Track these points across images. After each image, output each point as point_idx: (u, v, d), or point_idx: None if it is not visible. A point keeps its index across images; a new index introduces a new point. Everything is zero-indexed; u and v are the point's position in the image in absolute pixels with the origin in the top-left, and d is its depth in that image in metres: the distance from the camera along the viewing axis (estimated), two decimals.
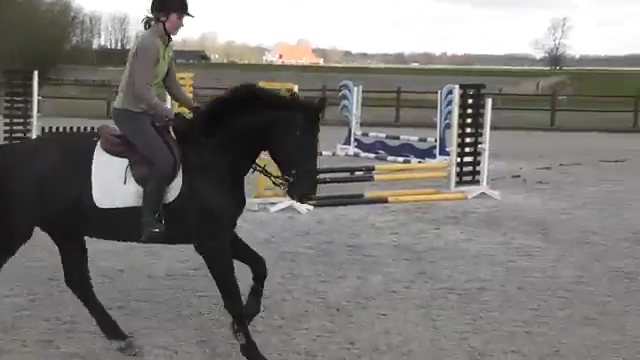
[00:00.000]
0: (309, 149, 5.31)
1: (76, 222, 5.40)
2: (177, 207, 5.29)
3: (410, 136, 18.71)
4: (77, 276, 5.71)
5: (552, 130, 29.48)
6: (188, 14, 5.66)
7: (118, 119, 5.64)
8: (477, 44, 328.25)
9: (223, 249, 5.41)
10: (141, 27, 5.75)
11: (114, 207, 5.29)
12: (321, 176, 10.19)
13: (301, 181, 5.25)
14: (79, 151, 5.44)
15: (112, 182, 5.29)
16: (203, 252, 5.42)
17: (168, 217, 5.29)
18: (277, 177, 5.41)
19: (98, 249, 6.63)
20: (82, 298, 5.73)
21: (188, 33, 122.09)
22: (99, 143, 5.44)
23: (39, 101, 16.04)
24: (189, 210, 5.29)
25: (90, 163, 5.31)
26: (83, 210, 5.29)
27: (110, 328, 5.64)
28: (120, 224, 5.36)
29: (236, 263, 5.43)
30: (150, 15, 5.65)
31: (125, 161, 5.33)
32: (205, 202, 5.28)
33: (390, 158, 17.59)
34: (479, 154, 13.06)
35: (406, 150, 17.89)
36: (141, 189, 5.27)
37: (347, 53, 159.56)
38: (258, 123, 5.31)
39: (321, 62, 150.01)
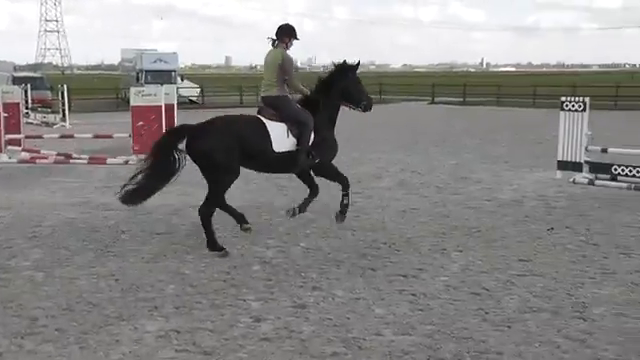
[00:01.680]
0: (363, 87, 9.58)
1: (260, 161, 8.86)
2: (313, 146, 9.10)
3: None
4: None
5: None
6: (297, 39, 9.39)
7: (277, 102, 9.11)
8: None
9: (332, 163, 9.48)
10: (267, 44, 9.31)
11: (283, 151, 8.89)
12: None
13: (369, 102, 9.58)
14: (253, 120, 8.93)
15: (280, 136, 8.89)
16: (323, 164, 9.33)
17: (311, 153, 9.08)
18: (356, 108, 9.53)
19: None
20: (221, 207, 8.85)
21: None
22: (261, 116, 8.98)
23: None
24: (320, 146, 9.18)
25: (265, 126, 8.85)
26: (266, 154, 8.78)
27: (238, 217, 8.96)
28: (284, 162, 8.96)
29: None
30: (274, 38, 9.22)
31: (284, 125, 8.96)
32: (327, 141, 9.29)
33: None
34: None
35: None
36: (295, 140, 8.98)
37: None
38: (342, 86, 9.32)
39: None
